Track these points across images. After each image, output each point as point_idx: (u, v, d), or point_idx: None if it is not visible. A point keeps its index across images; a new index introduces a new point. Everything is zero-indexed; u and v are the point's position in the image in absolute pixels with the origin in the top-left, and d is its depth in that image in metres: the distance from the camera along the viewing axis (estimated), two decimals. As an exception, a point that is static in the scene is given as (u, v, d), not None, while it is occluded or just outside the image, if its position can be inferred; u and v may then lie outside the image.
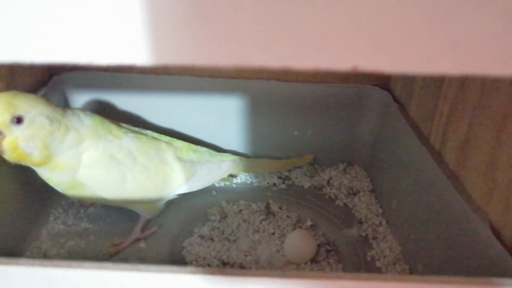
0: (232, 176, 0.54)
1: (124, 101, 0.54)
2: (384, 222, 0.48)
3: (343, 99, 0.54)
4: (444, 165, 0.39)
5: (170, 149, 0.45)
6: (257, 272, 0.23)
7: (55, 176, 0.38)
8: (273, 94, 0.54)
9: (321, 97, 0.54)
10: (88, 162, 0.38)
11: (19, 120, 0.34)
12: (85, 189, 0.39)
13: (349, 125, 0.55)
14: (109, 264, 0.23)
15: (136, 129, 0.45)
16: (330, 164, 0.57)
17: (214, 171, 0.48)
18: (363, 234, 0.47)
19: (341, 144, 0.56)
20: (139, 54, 0.16)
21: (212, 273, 0.22)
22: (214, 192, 0.52)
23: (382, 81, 0.54)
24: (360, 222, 0.48)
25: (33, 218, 0.45)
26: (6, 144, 0.34)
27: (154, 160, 0.42)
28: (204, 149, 0.50)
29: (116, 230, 0.46)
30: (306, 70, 0.14)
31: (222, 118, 0.55)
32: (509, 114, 0.31)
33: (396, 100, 0.52)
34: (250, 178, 0.55)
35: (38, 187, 0.44)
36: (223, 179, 0.52)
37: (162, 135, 0.47)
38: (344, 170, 0.57)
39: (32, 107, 0.35)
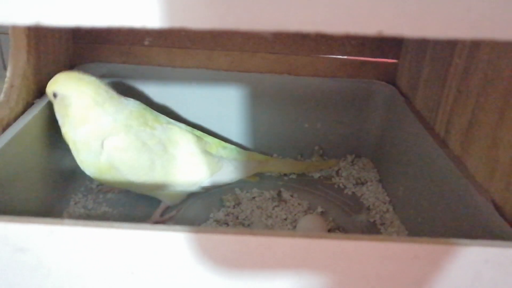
0: (257, 175, 0.55)
1: (141, 92, 0.56)
2: (391, 209, 0.50)
3: (351, 94, 0.56)
4: (449, 151, 0.42)
5: (200, 143, 0.47)
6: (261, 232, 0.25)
7: (91, 159, 0.41)
8: (285, 88, 0.56)
9: (330, 92, 0.56)
10: (122, 146, 0.41)
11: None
12: (116, 173, 0.41)
13: (357, 119, 0.57)
14: (146, 225, 0.25)
15: (172, 121, 0.47)
16: (338, 156, 0.59)
17: (240, 169, 0.50)
18: (371, 220, 0.49)
19: (349, 137, 0.58)
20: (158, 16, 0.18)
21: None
22: (228, 181, 0.55)
23: (388, 76, 0.56)
24: (368, 209, 0.51)
25: (55, 202, 0.48)
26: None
27: (183, 151, 0.44)
28: (233, 146, 0.52)
29: (135, 214, 0.48)
30: (337, 34, 0.17)
31: (235, 110, 0.57)
32: (511, 97, 0.34)
33: (402, 94, 0.54)
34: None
35: (59, 173, 0.46)
36: (249, 177, 0.53)
37: (195, 130, 0.49)
38: (352, 161, 0.59)
39: (66, 88, 0.39)
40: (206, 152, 0.47)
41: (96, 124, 0.40)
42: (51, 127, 0.44)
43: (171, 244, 0.25)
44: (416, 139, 0.47)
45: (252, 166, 0.51)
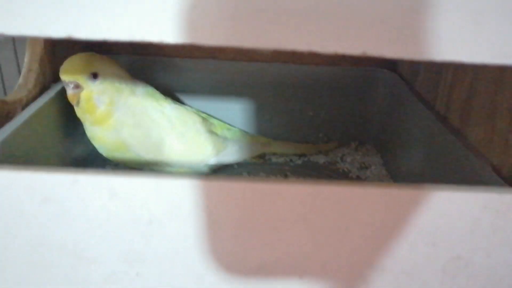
0: (261, 156, 0.57)
1: (149, 81, 0.58)
2: (395, 188, 0.51)
3: (354, 81, 0.58)
4: (450, 125, 0.43)
5: (205, 123, 0.49)
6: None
7: (104, 135, 0.43)
8: (289, 77, 0.58)
9: (334, 79, 0.58)
10: (132, 123, 0.43)
11: (95, 76, 0.40)
12: (127, 150, 0.43)
13: (360, 106, 0.59)
14: (165, 174, 0.27)
15: (179, 103, 0.49)
16: (342, 143, 0.61)
17: (244, 150, 0.52)
18: (376, 199, 0.50)
19: (353, 124, 0.60)
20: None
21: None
22: (235, 165, 0.56)
23: (390, 63, 0.58)
24: (373, 190, 0.52)
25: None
26: (83, 96, 0.39)
27: (191, 129, 0.46)
28: (237, 129, 0.54)
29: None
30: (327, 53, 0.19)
31: (240, 99, 0.59)
32: (506, 67, 0.35)
33: (403, 79, 0.56)
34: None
35: (74, 154, 0.48)
36: (254, 158, 0.55)
37: (200, 112, 0.51)
38: (356, 148, 0.60)
39: (106, 66, 0.40)
40: (212, 132, 0.49)
41: (112, 101, 0.42)
42: (67, 109, 0.46)
43: (188, 193, 0.27)
44: (417, 119, 0.48)
45: (256, 148, 0.53)
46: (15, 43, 0.76)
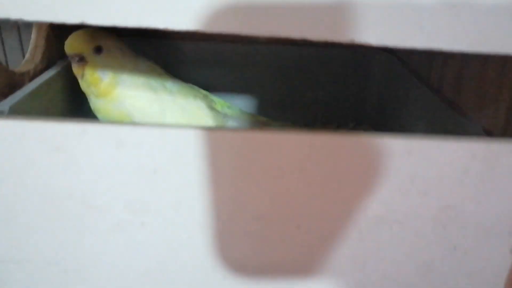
0: None
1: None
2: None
3: (351, 62, 0.60)
4: (444, 96, 0.45)
5: (206, 99, 0.50)
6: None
7: (108, 107, 0.44)
8: (289, 59, 0.59)
9: (332, 61, 0.60)
10: (135, 95, 0.44)
11: (99, 50, 0.41)
12: (129, 121, 0.45)
13: (357, 87, 0.61)
14: (170, 125, 0.28)
15: (180, 80, 0.51)
16: (340, 124, 0.62)
17: (244, 128, 0.53)
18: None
19: (351, 104, 0.61)
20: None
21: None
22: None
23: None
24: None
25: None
26: (87, 69, 0.41)
27: (192, 103, 0.48)
28: (237, 107, 0.55)
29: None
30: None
31: (240, 81, 0.61)
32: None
33: (399, 59, 0.57)
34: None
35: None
36: None
37: (201, 89, 0.53)
38: (354, 128, 0.62)
39: (109, 41, 0.42)
40: (212, 108, 0.50)
41: (115, 75, 0.44)
42: (72, 83, 0.47)
43: (191, 143, 0.28)
44: (414, 94, 0.50)
45: (255, 126, 0.54)
46: (20, 32, 0.77)
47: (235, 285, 0.32)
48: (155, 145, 0.28)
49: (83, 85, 0.45)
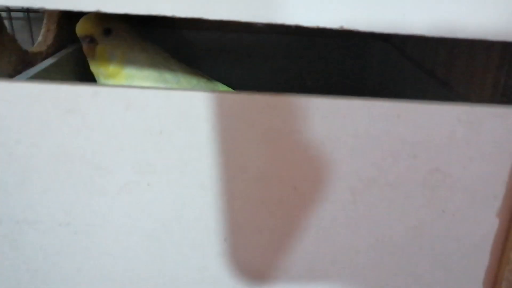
0: None
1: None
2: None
3: (350, 51, 0.62)
4: (437, 77, 0.47)
5: (210, 83, 0.52)
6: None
7: None
8: (289, 47, 0.62)
9: (331, 50, 0.62)
10: (142, 76, 0.46)
11: (108, 31, 0.44)
12: None
13: (356, 75, 0.63)
14: (175, 89, 0.30)
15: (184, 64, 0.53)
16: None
17: None
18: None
19: (349, 91, 0.63)
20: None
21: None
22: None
23: (384, 34, 0.62)
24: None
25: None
26: (98, 50, 0.43)
27: (196, 86, 0.50)
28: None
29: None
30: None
31: (242, 69, 0.63)
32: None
33: (396, 48, 0.59)
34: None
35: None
36: None
37: (205, 74, 0.55)
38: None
39: (119, 24, 0.44)
40: None
41: (124, 56, 0.46)
42: (82, 64, 0.49)
43: (195, 105, 0.30)
44: (409, 78, 0.52)
45: None
46: (31, 24, 0.80)
47: (236, 246, 0.34)
48: (161, 107, 0.30)
49: (93, 66, 0.47)
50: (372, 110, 0.30)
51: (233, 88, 0.62)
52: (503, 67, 0.37)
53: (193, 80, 0.50)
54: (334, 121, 0.30)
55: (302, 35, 0.62)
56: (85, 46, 0.45)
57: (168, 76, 0.48)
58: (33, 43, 0.80)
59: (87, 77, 0.49)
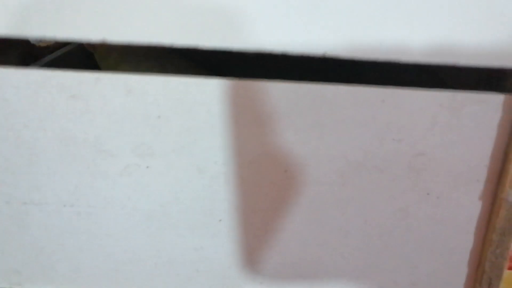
0: None
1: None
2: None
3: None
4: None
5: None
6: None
7: None
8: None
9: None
10: (140, 67, 0.48)
11: None
12: None
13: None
14: (173, 75, 0.32)
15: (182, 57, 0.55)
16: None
17: None
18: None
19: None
20: None
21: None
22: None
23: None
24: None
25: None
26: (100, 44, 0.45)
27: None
28: None
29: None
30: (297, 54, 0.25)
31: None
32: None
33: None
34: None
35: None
36: None
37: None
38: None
39: None
40: None
41: (123, 48, 0.48)
42: (88, 56, 0.51)
43: (191, 90, 0.32)
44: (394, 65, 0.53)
45: None
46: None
47: (232, 226, 0.36)
48: (159, 93, 0.32)
49: (97, 58, 0.49)
50: (357, 96, 0.32)
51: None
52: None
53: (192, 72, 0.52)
54: (321, 106, 0.32)
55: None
56: None
57: (167, 66, 0.50)
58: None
59: (93, 69, 0.51)
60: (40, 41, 0.46)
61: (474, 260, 0.36)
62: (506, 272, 0.35)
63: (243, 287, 0.38)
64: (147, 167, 0.34)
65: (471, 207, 0.35)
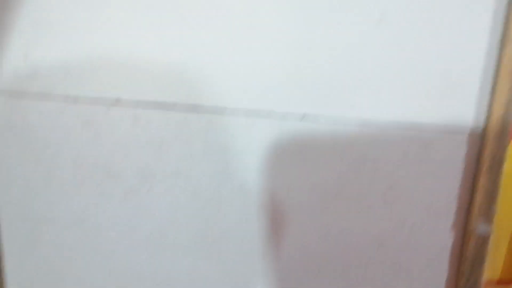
0: None
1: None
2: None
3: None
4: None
5: None
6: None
7: None
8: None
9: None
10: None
11: None
12: None
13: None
14: (174, 109, 0.37)
15: None
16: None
17: None
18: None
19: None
20: None
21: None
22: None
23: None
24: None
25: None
26: None
27: None
28: None
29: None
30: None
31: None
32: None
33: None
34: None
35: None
36: None
37: None
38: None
39: None
40: None
41: None
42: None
43: (187, 124, 0.36)
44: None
45: None
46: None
47: (223, 250, 0.39)
48: (162, 123, 0.37)
49: None
50: (335, 131, 0.36)
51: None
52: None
53: None
54: (302, 140, 0.36)
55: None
56: None
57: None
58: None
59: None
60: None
61: (450, 289, 0.38)
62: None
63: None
64: (148, 190, 0.38)
65: (444, 238, 0.37)
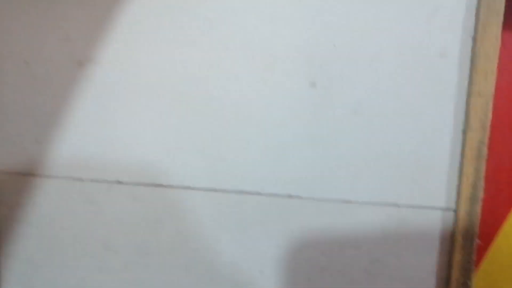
0: None
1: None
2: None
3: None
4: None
5: None
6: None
7: None
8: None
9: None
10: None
11: None
12: None
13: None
14: (170, 188, 0.40)
15: None
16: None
17: None
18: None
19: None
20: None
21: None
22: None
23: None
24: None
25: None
26: None
27: None
28: None
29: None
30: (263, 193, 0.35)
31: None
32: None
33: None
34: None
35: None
36: None
37: None
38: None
39: None
40: None
41: None
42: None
43: (183, 201, 0.40)
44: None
45: None
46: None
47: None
48: (158, 201, 0.40)
49: None
50: (321, 209, 0.39)
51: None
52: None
53: None
54: (289, 217, 0.39)
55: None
56: None
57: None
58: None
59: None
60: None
61: None
62: None
63: None
64: (145, 265, 0.40)
65: (425, 312, 0.39)
